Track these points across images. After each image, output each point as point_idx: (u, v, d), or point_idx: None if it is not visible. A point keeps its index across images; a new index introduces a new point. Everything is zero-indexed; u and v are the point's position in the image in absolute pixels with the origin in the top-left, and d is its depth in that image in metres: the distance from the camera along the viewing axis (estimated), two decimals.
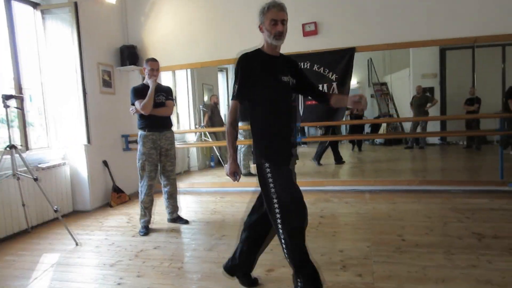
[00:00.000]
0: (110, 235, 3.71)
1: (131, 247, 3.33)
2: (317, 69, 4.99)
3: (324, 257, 2.82)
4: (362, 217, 3.80)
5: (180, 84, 8.03)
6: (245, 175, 6.66)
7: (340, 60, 4.93)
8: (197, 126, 8.09)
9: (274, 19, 2.06)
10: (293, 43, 5.05)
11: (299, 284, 2.09)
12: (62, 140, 4.77)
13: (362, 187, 5.01)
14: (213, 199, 5.07)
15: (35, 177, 3.52)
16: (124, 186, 5.29)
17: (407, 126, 10.27)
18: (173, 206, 3.93)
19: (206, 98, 9.09)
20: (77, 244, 3.48)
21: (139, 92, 3.68)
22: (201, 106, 8.14)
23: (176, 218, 3.93)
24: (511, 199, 4.24)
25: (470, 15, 4.56)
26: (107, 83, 5.31)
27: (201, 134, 8.02)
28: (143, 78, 4.21)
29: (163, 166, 3.79)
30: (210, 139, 7.85)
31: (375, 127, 10.53)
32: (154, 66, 3.71)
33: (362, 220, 3.72)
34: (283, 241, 2.06)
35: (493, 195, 4.43)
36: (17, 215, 3.92)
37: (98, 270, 2.87)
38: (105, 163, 5.13)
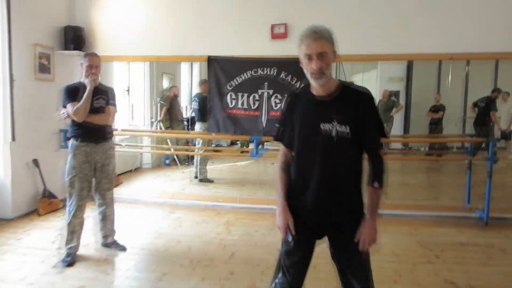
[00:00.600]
0: (25, 263, 3.07)
1: (47, 286, 2.72)
2: (284, 77, 4.50)
3: None
4: (325, 253, 3.38)
5: (135, 72, 7.29)
6: (202, 180, 6.11)
7: None
8: (153, 120, 7.41)
9: (308, 54, 1.61)
10: (260, 46, 4.54)
11: None
12: None
13: None
14: (161, 213, 4.50)
15: None
16: (59, 190, 4.58)
17: None
18: (108, 230, 3.32)
19: (166, 85, 8.41)
20: None
21: (73, 93, 3.04)
22: (158, 99, 7.45)
23: (111, 244, 3.34)
24: (479, 229, 4.02)
25: (445, 32, 4.24)
26: (44, 68, 4.57)
27: (157, 128, 7.35)
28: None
29: (98, 183, 3.18)
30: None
31: None
32: (94, 62, 3.06)
33: (324, 258, 3.30)
34: None
35: (460, 223, 4.20)
36: None
37: None
38: (35, 162, 4.41)
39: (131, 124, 7.21)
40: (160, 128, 7.23)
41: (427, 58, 4.59)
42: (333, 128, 1.64)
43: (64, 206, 4.50)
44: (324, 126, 1.65)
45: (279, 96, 4.53)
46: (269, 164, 7.13)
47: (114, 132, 5.32)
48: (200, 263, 3.14)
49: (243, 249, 3.46)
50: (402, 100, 10.26)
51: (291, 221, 1.73)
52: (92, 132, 3.06)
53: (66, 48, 4.77)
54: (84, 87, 3.03)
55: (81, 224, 3.14)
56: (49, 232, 3.75)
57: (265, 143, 4.67)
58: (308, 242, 1.84)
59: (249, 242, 3.62)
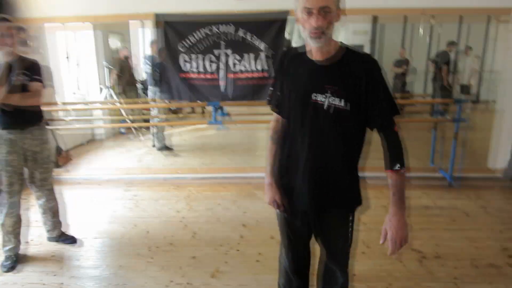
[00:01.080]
0: None
1: None
2: (243, 35, 4.12)
3: None
4: None
5: (78, 36, 6.58)
6: (160, 149, 5.78)
7: (270, 26, 4.09)
8: (101, 87, 6.81)
9: (308, 8, 1.34)
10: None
11: None
12: None
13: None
14: (115, 191, 4.17)
15: None
16: None
17: None
18: (52, 223, 2.98)
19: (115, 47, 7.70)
20: None
21: None
22: (104, 62, 6.80)
23: (57, 237, 3.02)
24: (442, 190, 4.03)
25: None
26: None
27: (106, 96, 6.78)
28: None
29: (31, 174, 2.77)
30: (117, 100, 6.68)
31: None
32: (3, 30, 2.48)
33: None
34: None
35: (425, 184, 4.20)
36: None
37: None
38: None
39: (77, 94, 6.61)
40: (111, 96, 6.68)
41: (397, 12, 4.32)
42: (326, 100, 1.42)
43: None
44: (316, 97, 1.43)
45: (238, 57, 4.17)
46: (231, 129, 6.83)
47: (58, 107, 4.88)
48: (159, 249, 2.92)
49: (205, 227, 3.27)
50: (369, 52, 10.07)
51: (278, 196, 1.63)
52: (14, 116, 2.57)
53: None
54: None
55: (16, 222, 2.75)
56: None
57: (224, 108, 4.37)
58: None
59: (211, 219, 3.43)
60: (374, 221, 3.27)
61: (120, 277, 2.56)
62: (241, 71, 4.20)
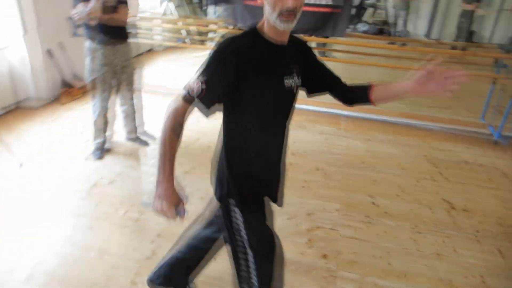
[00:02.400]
0: (59, 154, 3.34)
1: (83, 178, 3.03)
2: None
3: (291, 223, 2.69)
4: (335, 160, 3.60)
5: None
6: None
7: None
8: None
9: None
10: None
11: None
12: None
13: (338, 111, 4.70)
14: None
15: None
16: (77, 78, 4.65)
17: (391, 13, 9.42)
18: (130, 126, 3.51)
19: None
20: (21, 165, 3.11)
21: None
22: None
23: (134, 139, 3.56)
24: (487, 147, 4.13)
25: None
26: None
27: (165, 10, 6.94)
28: None
29: (119, 83, 3.23)
30: (175, 14, 6.82)
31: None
32: None
33: (334, 165, 3.53)
34: None
35: (471, 140, 4.27)
36: None
37: (48, 210, 2.61)
38: (49, 52, 4.36)
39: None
40: (170, 11, 6.82)
41: None
42: (294, 82, 1.40)
43: (84, 94, 4.63)
44: (287, 81, 1.38)
45: None
46: None
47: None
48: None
49: None
50: None
51: (179, 198, 1.30)
52: (108, 33, 2.97)
53: None
54: None
55: (106, 122, 3.30)
56: (74, 123, 3.96)
57: None
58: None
59: None
60: (411, 168, 3.55)
61: (192, 175, 3.09)
62: (305, 4, 4.22)
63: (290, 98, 1.43)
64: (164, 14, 6.73)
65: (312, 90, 1.57)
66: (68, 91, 4.49)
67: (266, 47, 1.32)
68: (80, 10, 2.82)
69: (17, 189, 2.85)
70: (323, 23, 4.24)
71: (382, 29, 9.45)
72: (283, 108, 1.45)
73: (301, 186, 3.15)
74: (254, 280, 1.48)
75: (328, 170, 3.43)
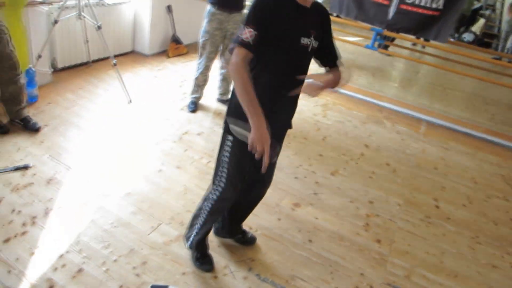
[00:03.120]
0: (161, 100, 3.83)
1: (177, 124, 3.46)
2: None
3: (351, 206, 2.87)
4: (406, 160, 3.67)
5: None
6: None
7: None
8: None
9: None
10: None
11: (195, 255, 2.10)
12: None
13: (420, 115, 4.67)
14: None
15: (98, 25, 3.44)
16: (184, 37, 5.14)
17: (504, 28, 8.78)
18: (225, 89, 3.88)
19: None
20: (130, 101, 3.63)
21: None
22: None
23: (225, 100, 3.93)
24: None
25: None
26: None
27: None
28: None
29: (225, 48, 3.58)
30: None
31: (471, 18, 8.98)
32: None
33: (405, 164, 3.60)
34: (202, 212, 1.96)
35: None
36: (80, 49, 4.04)
37: (142, 146, 3.07)
38: (169, 8, 4.87)
39: None
40: None
41: None
42: (310, 43, 1.61)
43: (187, 53, 5.12)
44: (304, 41, 1.59)
45: None
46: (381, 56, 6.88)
47: None
48: (296, 139, 3.63)
49: (334, 136, 3.86)
50: None
51: (268, 144, 1.43)
52: (227, 1, 3.30)
53: None
54: None
55: (205, 81, 3.69)
56: (176, 76, 4.43)
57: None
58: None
59: (341, 131, 3.98)
60: (484, 183, 3.50)
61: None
62: (414, 4, 4.23)
63: (304, 57, 1.64)
64: None
65: (316, 56, 1.74)
66: (175, 46, 4.99)
67: (292, 6, 1.54)
68: None
69: (124, 121, 3.36)
70: (428, 25, 4.24)
71: (489, 43, 8.90)
72: (298, 64, 1.66)
73: (368, 176, 3.29)
74: (208, 202, 1.92)
75: (398, 167, 3.52)
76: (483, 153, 4.11)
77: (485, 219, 3.02)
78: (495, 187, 3.52)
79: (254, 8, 1.50)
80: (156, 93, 3.95)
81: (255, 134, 1.41)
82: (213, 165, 2.95)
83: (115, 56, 4.20)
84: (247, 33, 1.46)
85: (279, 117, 1.70)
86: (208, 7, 3.39)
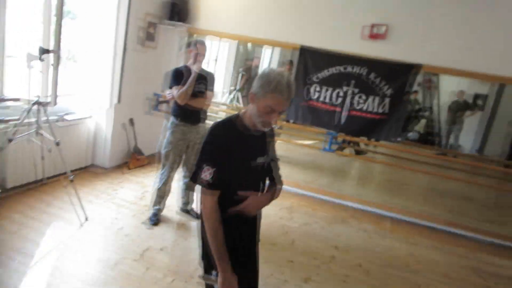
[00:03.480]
0: (121, 214, 3.65)
1: (138, 240, 3.26)
2: (372, 78, 4.52)
3: None
4: (377, 259, 3.60)
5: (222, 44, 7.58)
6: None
7: (400, 75, 4.44)
8: (232, 88, 7.75)
9: (272, 108, 1.56)
10: (353, 43, 4.58)
11: None
12: (90, 95, 4.58)
13: (383, 212, 4.75)
14: None
15: (56, 142, 3.40)
16: (145, 148, 5.18)
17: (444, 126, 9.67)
18: (187, 199, 3.80)
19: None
20: (86, 219, 3.43)
21: (179, 77, 3.40)
22: (240, 70, 7.74)
23: (189, 210, 3.82)
24: None
25: None
26: (150, 37, 4.98)
27: (234, 97, 7.71)
28: (186, 61, 3.58)
29: (187, 158, 3.60)
30: (241, 105, 7.54)
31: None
32: (202, 51, 3.39)
33: (377, 264, 3.52)
34: None
35: None
36: (34, 166, 3.89)
37: (101, 269, 2.81)
38: (131, 121, 4.98)
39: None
40: (237, 98, 7.57)
41: None
42: (264, 159, 1.74)
43: (148, 163, 5.10)
44: (260, 160, 1.72)
45: (364, 97, 4.58)
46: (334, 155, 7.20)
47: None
48: (264, 245, 3.48)
49: (303, 239, 3.77)
50: (489, 105, 9.58)
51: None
52: (190, 114, 3.44)
53: (171, 19, 5.12)
54: (189, 71, 3.37)
55: (168, 191, 3.62)
56: (137, 188, 4.33)
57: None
58: None
59: (309, 233, 3.92)
60: (458, 278, 3.44)
61: None
62: (362, 110, 4.61)
63: (260, 171, 1.75)
64: (231, 103, 7.46)
65: None
66: (137, 157, 4.98)
67: (242, 133, 1.64)
68: (174, 92, 3.35)
69: (80, 242, 3.11)
70: (378, 128, 4.59)
71: (433, 140, 9.68)
72: (257, 180, 1.76)
73: (342, 280, 3.16)
74: None
75: (370, 268, 3.43)
76: (449, 246, 4.14)
77: None
78: (469, 280, 3.47)
79: (209, 145, 1.60)
80: (115, 207, 3.79)
81: (222, 279, 1.59)
82: (178, 284, 2.76)
83: (73, 171, 4.10)
84: (207, 172, 1.57)
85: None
86: (172, 118, 3.50)
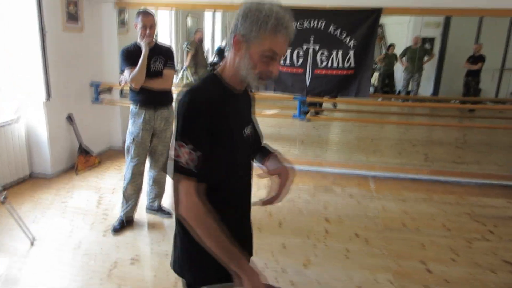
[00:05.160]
0: (76, 228, 3.06)
1: (102, 256, 2.70)
2: (332, 31, 4.12)
3: None
4: (373, 224, 3.31)
5: (159, 14, 6.85)
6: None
7: (361, 23, 4.07)
8: (178, 68, 7.11)
9: (275, 52, 1.11)
10: None
11: None
12: (15, 94, 3.83)
13: (365, 172, 4.48)
14: None
15: None
16: (93, 146, 4.51)
17: (398, 76, 9.61)
18: (156, 193, 3.24)
19: (190, 25, 7.94)
20: (32, 243, 2.81)
21: (131, 57, 2.83)
22: (184, 45, 7.08)
23: (157, 209, 3.28)
24: None
25: None
26: (72, 17, 4.23)
27: (182, 76, 7.10)
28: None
29: (153, 147, 3.05)
30: (192, 79, 6.95)
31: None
32: (147, 22, 2.80)
33: (374, 229, 3.23)
34: None
35: (508, 193, 4.04)
36: None
37: None
38: (70, 118, 4.27)
39: None
40: (187, 77, 6.97)
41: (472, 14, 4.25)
42: (250, 130, 1.31)
43: (99, 163, 4.46)
44: (247, 131, 1.28)
45: (326, 53, 4.18)
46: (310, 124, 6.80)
47: None
48: None
49: (289, 218, 3.39)
50: (436, 49, 9.64)
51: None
52: (151, 98, 2.89)
53: None
54: (140, 48, 2.81)
55: (136, 191, 3.05)
56: (91, 194, 3.71)
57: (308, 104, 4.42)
58: None
59: (294, 210, 3.54)
60: (458, 228, 3.26)
61: None
62: (327, 67, 4.22)
63: (249, 146, 1.32)
64: (181, 81, 6.85)
65: None
66: (84, 159, 4.31)
67: (229, 96, 1.19)
68: (126, 75, 2.80)
69: (26, 271, 2.52)
70: (346, 84, 4.23)
71: (387, 91, 9.63)
72: (247, 159, 1.33)
73: (344, 256, 2.83)
74: None
75: (368, 236, 3.13)
76: (437, 195, 3.96)
77: (481, 269, 2.70)
78: (469, 228, 3.29)
79: (185, 119, 1.11)
80: (67, 221, 3.18)
81: (248, 281, 1.08)
82: None
83: (6, 188, 3.43)
84: (186, 155, 1.08)
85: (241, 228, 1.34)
86: (131, 107, 2.95)
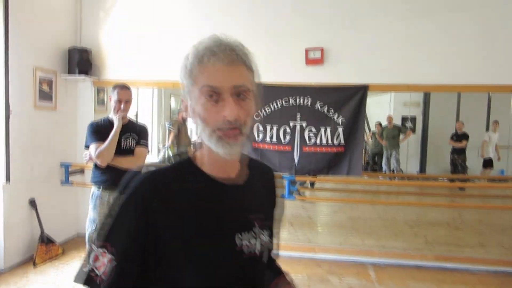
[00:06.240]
0: None
1: None
2: (319, 108, 3.97)
3: None
4: None
5: (143, 94, 6.77)
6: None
7: (348, 100, 3.95)
8: (160, 146, 6.85)
9: (213, 88, 0.79)
10: (293, 72, 4.04)
11: None
12: None
13: (363, 259, 4.02)
14: None
15: None
16: (58, 233, 4.01)
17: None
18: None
19: (173, 106, 7.86)
20: None
21: (99, 131, 2.56)
22: (167, 124, 6.91)
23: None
24: None
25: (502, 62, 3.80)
26: (45, 96, 4.00)
27: (164, 155, 6.81)
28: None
29: None
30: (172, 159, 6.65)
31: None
32: (123, 97, 2.58)
33: None
34: None
35: None
36: None
37: None
38: (32, 203, 3.81)
39: None
40: (168, 155, 6.69)
41: (481, 90, 4.25)
42: (256, 240, 0.88)
43: (63, 253, 3.92)
44: (242, 240, 0.86)
45: (314, 130, 3.99)
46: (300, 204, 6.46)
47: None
48: None
49: None
50: (419, 127, 9.78)
51: None
52: (117, 178, 2.49)
53: (70, 71, 4.23)
54: (112, 124, 2.55)
55: None
56: None
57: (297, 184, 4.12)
58: None
59: None
60: None
61: None
62: (316, 145, 4.00)
63: (252, 267, 0.87)
64: (163, 161, 6.54)
65: None
66: (45, 249, 3.76)
67: (204, 184, 0.85)
68: (92, 151, 2.50)
69: None
70: (337, 162, 3.99)
71: (375, 168, 9.55)
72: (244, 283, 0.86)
73: None
74: None
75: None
76: (447, 285, 3.50)
77: None
78: None
79: (122, 211, 0.82)
80: None
81: None
82: None
83: None
84: (107, 265, 0.77)
85: None
86: (92, 188, 2.60)
